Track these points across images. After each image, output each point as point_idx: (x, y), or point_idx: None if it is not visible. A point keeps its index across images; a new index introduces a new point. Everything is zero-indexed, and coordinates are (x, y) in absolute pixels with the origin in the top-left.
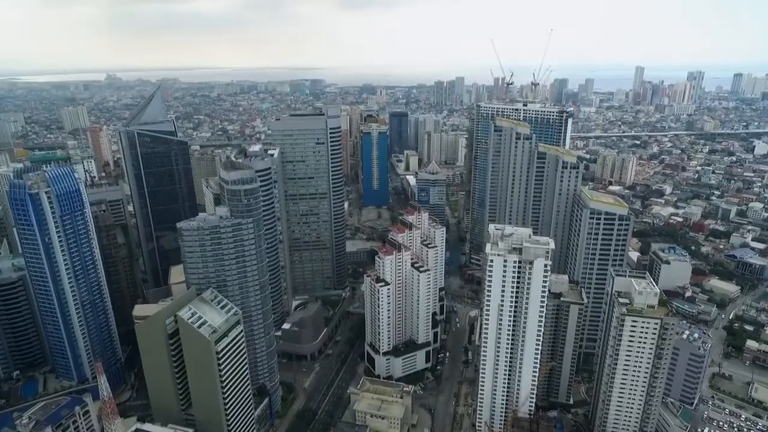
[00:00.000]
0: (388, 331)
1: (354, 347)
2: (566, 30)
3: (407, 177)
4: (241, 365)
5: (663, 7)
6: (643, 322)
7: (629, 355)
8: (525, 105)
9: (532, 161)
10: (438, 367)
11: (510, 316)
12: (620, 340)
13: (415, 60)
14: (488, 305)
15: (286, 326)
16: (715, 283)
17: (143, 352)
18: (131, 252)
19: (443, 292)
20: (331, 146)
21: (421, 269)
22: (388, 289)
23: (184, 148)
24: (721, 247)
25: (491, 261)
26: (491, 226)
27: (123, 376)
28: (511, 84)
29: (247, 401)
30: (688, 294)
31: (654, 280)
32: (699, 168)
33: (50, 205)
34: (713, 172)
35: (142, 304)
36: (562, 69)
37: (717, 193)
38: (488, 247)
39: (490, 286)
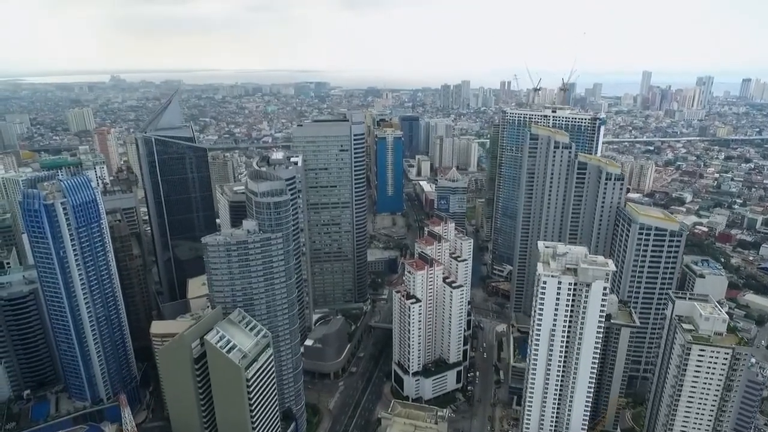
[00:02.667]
0: (419, 350)
1: (378, 364)
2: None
3: (420, 182)
4: (271, 391)
5: (666, 12)
6: (712, 351)
7: (695, 386)
8: (554, 111)
9: (570, 171)
10: (469, 388)
11: (562, 342)
12: (685, 369)
13: (418, 63)
14: (538, 330)
15: (308, 343)
16: (751, 297)
17: (165, 377)
18: (145, 262)
19: (469, 306)
20: (354, 153)
21: (453, 285)
22: (420, 306)
23: (203, 155)
24: (751, 258)
25: (544, 283)
26: (540, 244)
27: (138, 395)
28: (538, 90)
29: (275, 428)
30: (726, 310)
31: None
32: (717, 175)
33: (66, 217)
34: (732, 180)
35: (158, 319)
36: (567, 73)
37: (739, 201)
38: (540, 267)
39: (541, 309)
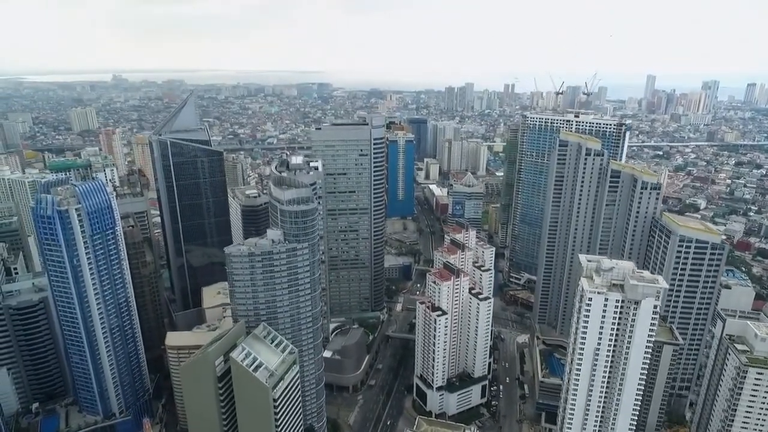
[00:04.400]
0: (443, 364)
1: (397, 377)
2: (571, 36)
3: (429, 186)
4: (297, 410)
5: (669, 16)
6: None
7: (750, 410)
8: (577, 116)
9: (602, 179)
10: (493, 403)
11: (606, 362)
12: (740, 393)
13: (420, 65)
14: (581, 348)
15: (327, 354)
16: None
17: (187, 395)
18: (156, 268)
19: None
20: (374, 158)
21: (480, 297)
22: (446, 319)
23: (219, 159)
24: None
25: (589, 299)
26: (582, 257)
27: (151, 408)
28: (561, 93)
29: None
30: None
31: None
32: (729, 181)
33: (80, 224)
34: (745, 186)
35: (170, 328)
36: (572, 76)
37: (754, 208)
38: (584, 283)
39: (585, 327)
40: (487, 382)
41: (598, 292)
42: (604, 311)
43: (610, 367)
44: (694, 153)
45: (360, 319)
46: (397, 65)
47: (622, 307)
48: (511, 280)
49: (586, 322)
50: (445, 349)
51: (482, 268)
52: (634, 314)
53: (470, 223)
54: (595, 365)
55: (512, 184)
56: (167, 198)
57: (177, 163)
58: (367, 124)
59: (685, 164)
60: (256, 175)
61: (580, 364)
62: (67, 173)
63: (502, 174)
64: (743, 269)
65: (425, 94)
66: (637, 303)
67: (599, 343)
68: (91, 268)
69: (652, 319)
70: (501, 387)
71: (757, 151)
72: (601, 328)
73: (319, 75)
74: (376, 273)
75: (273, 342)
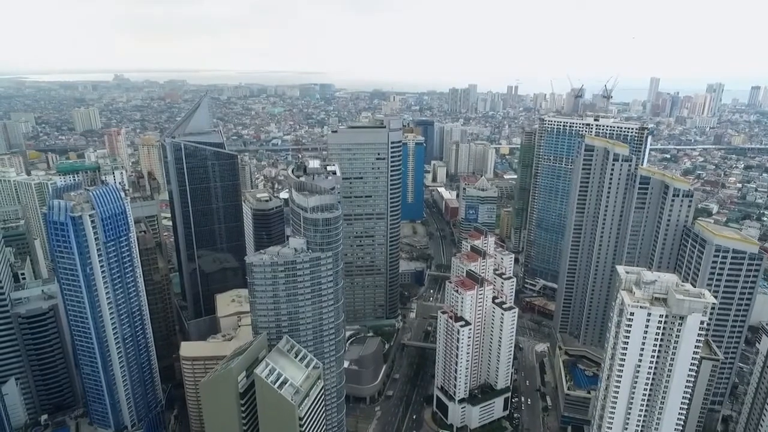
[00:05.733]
0: (466, 375)
1: (415, 387)
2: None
3: (438, 189)
4: (321, 426)
5: (670, 18)
6: None
7: None
8: (596, 120)
9: (630, 186)
10: (515, 415)
11: (648, 379)
12: None
13: (422, 66)
14: (621, 365)
15: (344, 364)
16: None
17: (207, 412)
18: (167, 274)
19: None
20: (391, 162)
21: (504, 306)
22: (470, 329)
23: (233, 163)
24: None
25: (631, 314)
26: (620, 269)
27: (163, 420)
28: (579, 96)
29: None
30: None
31: None
32: (740, 185)
33: (94, 231)
34: (756, 190)
35: (181, 336)
36: (573, 78)
37: (767, 213)
38: (624, 296)
39: (626, 342)
40: (509, 394)
41: (641, 307)
42: (647, 326)
43: (651, 384)
44: (702, 156)
45: (375, 327)
46: (398, 66)
47: (665, 322)
48: (525, 286)
49: (627, 337)
50: (468, 361)
51: (503, 276)
52: (679, 330)
53: (480, 227)
54: (636, 382)
55: (527, 188)
56: (180, 202)
57: (191, 166)
58: (385, 127)
59: (694, 168)
60: (262, 177)
61: (619, 381)
62: (76, 176)
63: (510, 177)
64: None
65: (428, 95)
66: (682, 318)
67: (640, 360)
68: (104, 276)
69: (698, 335)
70: (522, 399)
71: (765, 155)
72: (643, 344)
73: (320, 76)
74: (391, 279)
75: (297, 356)
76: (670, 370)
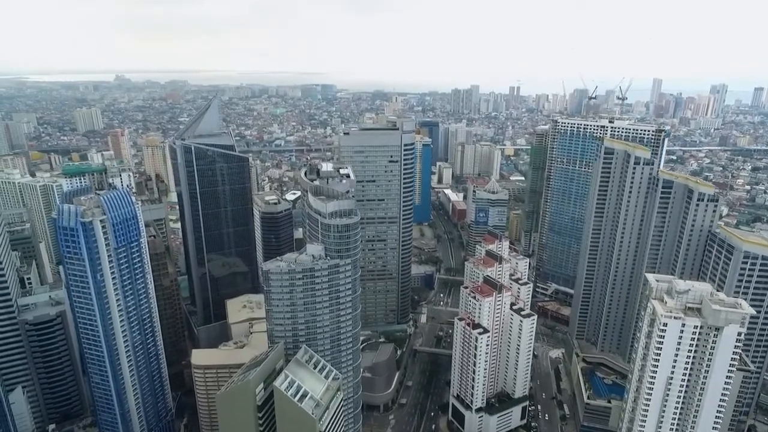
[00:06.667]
0: (483, 384)
1: (429, 395)
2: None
3: (444, 191)
4: None
5: (671, 19)
6: None
7: None
8: (611, 122)
9: (651, 190)
10: (533, 424)
11: (680, 392)
12: None
13: (423, 67)
14: (652, 377)
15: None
16: None
17: (224, 426)
18: (176, 279)
19: None
20: (404, 164)
21: (522, 313)
22: (488, 337)
23: (244, 165)
24: None
25: (664, 324)
26: (650, 277)
27: (173, 429)
28: (594, 98)
29: None
30: None
31: None
32: (748, 187)
33: (104, 236)
34: (765, 192)
35: (191, 342)
36: (574, 79)
37: None
38: (656, 306)
39: (658, 353)
40: (527, 402)
41: (675, 317)
42: (680, 337)
43: (684, 396)
44: (708, 158)
45: (386, 332)
46: (399, 67)
47: (700, 333)
48: (537, 290)
49: (659, 348)
50: (485, 369)
51: (519, 281)
52: (714, 341)
53: (495, 231)
54: (668, 395)
55: (538, 191)
56: (190, 205)
57: (201, 169)
58: (398, 129)
59: (701, 169)
60: (267, 178)
61: (650, 393)
62: (82, 178)
63: (516, 178)
64: None
65: (430, 96)
66: (718, 329)
67: (673, 371)
68: (114, 283)
69: (735, 348)
70: (539, 407)
71: None
72: (676, 355)
73: (321, 76)
74: (403, 284)
75: (316, 367)
76: (704, 383)
